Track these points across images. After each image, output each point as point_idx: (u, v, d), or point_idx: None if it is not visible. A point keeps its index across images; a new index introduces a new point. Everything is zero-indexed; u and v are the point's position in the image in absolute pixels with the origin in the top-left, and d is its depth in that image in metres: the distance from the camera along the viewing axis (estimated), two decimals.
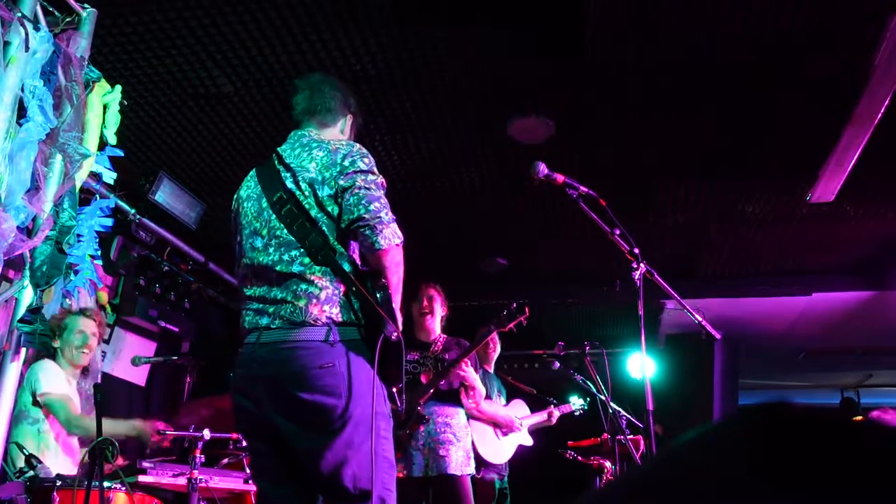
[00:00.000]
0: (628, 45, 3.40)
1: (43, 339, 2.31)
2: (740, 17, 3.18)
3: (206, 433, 3.16)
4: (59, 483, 2.67)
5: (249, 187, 2.26)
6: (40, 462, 2.87)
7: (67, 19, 2.55)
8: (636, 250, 2.73)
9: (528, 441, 4.84)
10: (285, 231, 2.09)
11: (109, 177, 2.72)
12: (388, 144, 4.32)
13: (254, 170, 2.31)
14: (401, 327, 2.12)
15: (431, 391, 3.64)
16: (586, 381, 4.46)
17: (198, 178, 4.78)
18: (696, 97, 3.79)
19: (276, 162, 2.22)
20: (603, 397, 4.14)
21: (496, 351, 4.82)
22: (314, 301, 2.01)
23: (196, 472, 3.13)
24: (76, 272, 2.60)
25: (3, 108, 2.23)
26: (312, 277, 2.04)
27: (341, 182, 2.07)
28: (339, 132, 2.37)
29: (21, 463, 2.88)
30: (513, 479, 4.72)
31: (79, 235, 2.57)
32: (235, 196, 2.31)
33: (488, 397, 4.35)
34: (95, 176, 2.69)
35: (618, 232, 2.75)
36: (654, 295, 3.20)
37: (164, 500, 3.55)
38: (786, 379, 9.95)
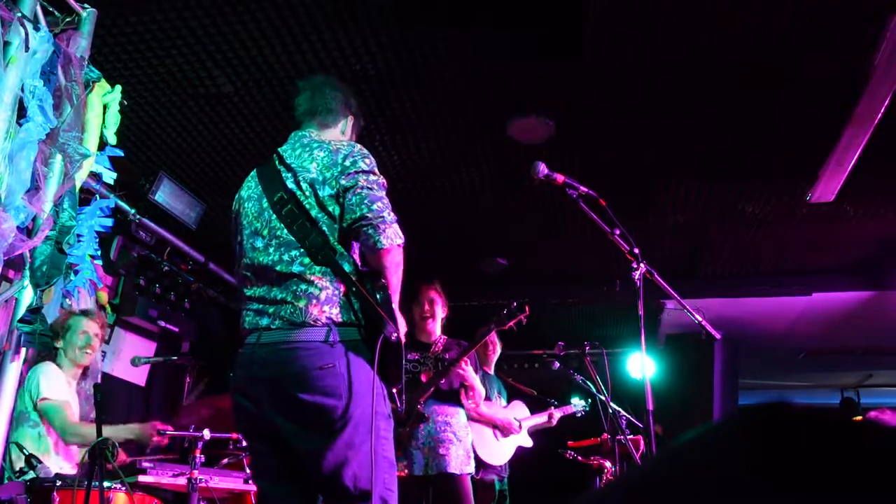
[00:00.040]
0: (628, 45, 3.40)
1: (43, 339, 2.31)
2: (740, 17, 3.18)
3: (206, 433, 3.17)
4: (59, 483, 2.67)
5: (250, 187, 2.26)
6: (40, 462, 2.86)
7: (67, 19, 2.55)
8: (636, 250, 2.73)
9: (528, 442, 4.84)
10: (286, 231, 2.09)
11: (109, 177, 2.72)
12: (388, 144, 4.32)
13: (255, 170, 2.31)
14: (404, 328, 2.13)
15: (431, 390, 3.64)
16: (586, 381, 4.46)
17: (198, 178, 4.78)
18: (696, 97, 3.79)
19: (276, 162, 2.22)
20: (603, 397, 4.13)
21: (496, 353, 4.82)
22: (314, 301, 2.01)
23: (196, 472, 3.13)
24: (76, 272, 2.60)
25: (3, 108, 2.23)
26: (312, 278, 2.04)
27: (343, 182, 2.08)
28: (339, 133, 2.38)
29: (21, 463, 2.87)
30: (513, 479, 4.72)
31: (79, 235, 2.57)
32: (236, 196, 2.32)
33: (488, 399, 4.35)
34: (95, 176, 2.69)
35: (618, 232, 2.75)
36: (654, 295, 3.20)
37: (164, 500, 3.55)
38: (786, 379, 9.95)
